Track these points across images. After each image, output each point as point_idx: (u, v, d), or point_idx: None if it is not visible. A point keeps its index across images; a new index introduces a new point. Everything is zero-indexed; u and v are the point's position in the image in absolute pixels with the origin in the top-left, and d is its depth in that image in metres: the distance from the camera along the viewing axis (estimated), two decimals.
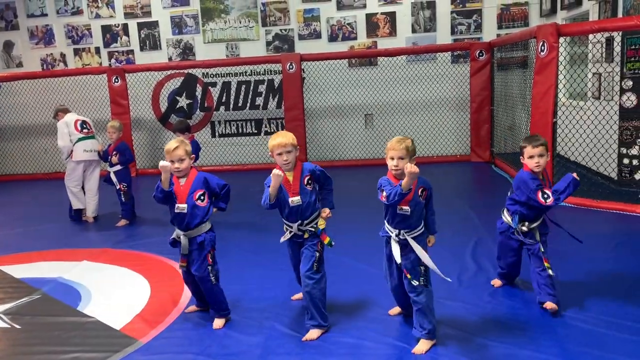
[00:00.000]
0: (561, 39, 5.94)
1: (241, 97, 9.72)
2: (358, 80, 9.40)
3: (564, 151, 7.13)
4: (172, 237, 3.43)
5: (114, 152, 6.02)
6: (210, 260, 3.38)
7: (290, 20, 9.48)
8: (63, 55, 9.97)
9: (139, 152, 9.68)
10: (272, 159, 3.25)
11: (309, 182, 3.26)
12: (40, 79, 9.64)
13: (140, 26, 9.74)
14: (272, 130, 9.73)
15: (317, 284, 3.20)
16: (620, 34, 6.09)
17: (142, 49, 9.81)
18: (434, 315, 3.03)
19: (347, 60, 9.33)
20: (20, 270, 4.68)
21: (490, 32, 9.17)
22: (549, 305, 3.24)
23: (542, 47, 5.94)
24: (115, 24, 9.79)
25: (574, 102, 7.17)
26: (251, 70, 9.62)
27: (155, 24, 9.71)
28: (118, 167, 6.05)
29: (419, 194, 2.99)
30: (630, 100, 6.14)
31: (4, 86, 9.94)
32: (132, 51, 9.84)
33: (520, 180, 3.40)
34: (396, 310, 3.41)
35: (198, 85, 9.75)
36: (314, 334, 3.18)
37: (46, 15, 9.87)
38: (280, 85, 9.41)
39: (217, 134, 9.86)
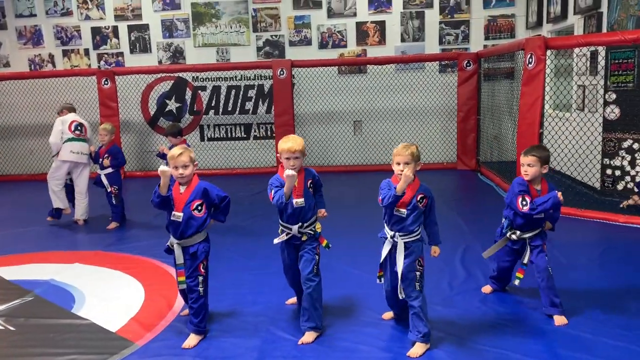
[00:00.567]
0: (548, 52, 6.09)
1: (231, 101, 9.76)
2: (347, 88, 9.51)
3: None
4: (167, 244, 3.40)
5: (106, 155, 6.01)
6: (202, 270, 3.33)
7: (281, 26, 9.55)
8: (51, 56, 9.91)
9: (128, 155, 9.57)
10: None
11: (311, 185, 3.36)
12: (27, 80, 9.57)
13: (131, 29, 9.73)
14: (262, 135, 9.80)
15: (318, 286, 3.29)
16: (605, 48, 6.27)
17: (132, 51, 9.80)
18: (428, 319, 3.11)
19: (337, 67, 9.43)
20: (10, 272, 4.64)
21: (477, 42, 9.35)
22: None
23: (530, 59, 6.09)
24: (105, 26, 9.76)
25: (559, 114, 7.34)
26: (241, 75, 9.66)
27: (145, 27, 9.71)
28: (109, 170, 6.04)
29: (418, 199, 3.08)
30: (613, 112, 6.32)
31: None
32: (121, 53, 9.81)
33: (512, 184, 3.53)
34: (389, 314, 3.48)
35: (188, 89, 9.76)
36: (310, 337, 3.24)
37: (35, 15, 9.81)
38: (270, 91, 9.47)
39: (206, 137, 9.88)
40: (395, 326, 3.39)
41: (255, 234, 5.52)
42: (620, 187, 6.40)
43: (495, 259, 3.74)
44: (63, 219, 6.32)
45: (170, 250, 3.39)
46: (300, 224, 3.29)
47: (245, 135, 9.84)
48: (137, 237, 5.64)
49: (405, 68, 9.35)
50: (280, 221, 3.37)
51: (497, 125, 8.49)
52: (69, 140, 6.09)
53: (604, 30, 6.54)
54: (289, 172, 3.15)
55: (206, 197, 3.34)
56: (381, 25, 9.44)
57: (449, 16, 9.36)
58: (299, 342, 3.21)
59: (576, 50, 6.88)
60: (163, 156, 5.56)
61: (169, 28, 9.68)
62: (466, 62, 8.71)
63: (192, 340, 3.28)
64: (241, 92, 9.74)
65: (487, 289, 3.86)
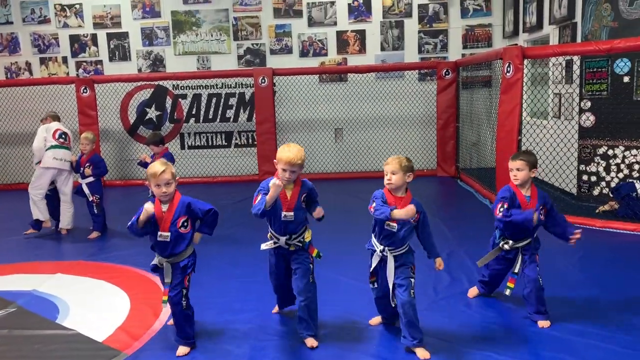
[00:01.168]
0: (525, 61, 6.24)
1: (212, 109, 9.75)
2: (328, 96, 9.58)
3: None
4: (154, 263, 3.31)
5: (88, 164, 5.96)
6: (187, 283, 3.27)
7: (262, 35, 9.59)
8: (28, 64, 9.77)
9: (108, 164, 9.37)
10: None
11: (305, 199, 3.32)
12: (3, 88, 9.43)
13: (110, 37, 9.66)
14: (242, 143, 9.79)
15: (314, 297, 3.29)
16: (580, 57, 6.44)
17: (111, 59, 9.72)
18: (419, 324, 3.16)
19: (317, 75, 9.49)
20: None
21: (455, 51, 9.51)
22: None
23: (508, 68, 6.23)
24: (84, 34, 9.68)
25: (537, 121, 7.51)
26: (222, 83, 9.66)
27: (125, 35, 9.65)
28: (91, 179, 5.99)
29: None
30: (589, 120, 6.49)
31: None
32: (100, 61, 9.73)
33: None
34: (377, 320, 3.51)
35: (168, 97, 9.72)
36: (313, 342, 3.24)
37: (12, 23, 9.68)
38: (251, 99, 9.49)
39: (186, 145, 9.84)
40: (383, 332, 3.43)
41: (239, 242, 5.51)
42: (596, 192, 6.57)
43: (487, 265, 3.78)
44: (43, 229, 6.22)
45: (157, 269, 3.32)
46: (288, 235, 3.27)
47: (226, 143, 9.83)
48: (119, 246, 5.59)
49: (385, 76, 9.47)
50: (270, 229, 3.36)
51: (476, 133, 8.64)
52: (52, 147, 6.02)
53: (579, 40, 6.73)
54: (276, 181, 3.08)
55: (190, 212, 3.24)
56: (361, 34, 9.54)
57: (428, 25, 9.51)
58: (310, 346, 3.21)
59: (552, 59, 7.05)
60: (145, 165, 5.53)
61: (148, 36, 9.64)
62: (445, 70, 8.85)
63: (181, 351, 3.24)
64: (222, 100, 9.73)
65: (472, 292, 3.91)
